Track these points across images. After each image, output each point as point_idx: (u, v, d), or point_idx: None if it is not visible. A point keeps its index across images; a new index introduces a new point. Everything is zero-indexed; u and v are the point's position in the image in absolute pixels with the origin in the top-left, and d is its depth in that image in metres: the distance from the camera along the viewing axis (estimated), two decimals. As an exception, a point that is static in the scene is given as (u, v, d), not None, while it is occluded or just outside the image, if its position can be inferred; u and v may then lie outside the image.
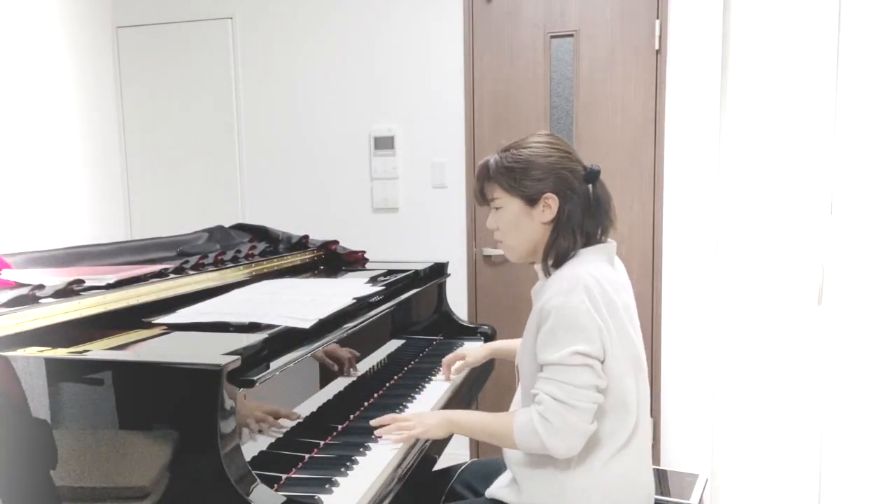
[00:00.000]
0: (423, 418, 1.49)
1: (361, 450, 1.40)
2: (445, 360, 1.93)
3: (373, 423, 1.48)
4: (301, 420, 1.45)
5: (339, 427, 1.54)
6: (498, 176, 1.46)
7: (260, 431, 1.30)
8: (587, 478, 1.37)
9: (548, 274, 1.44)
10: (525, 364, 1.45)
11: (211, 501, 1.06)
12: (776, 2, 2.61)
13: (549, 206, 1.42)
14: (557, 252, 1.42)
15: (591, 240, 1.44)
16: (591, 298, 1.32)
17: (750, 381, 2.75)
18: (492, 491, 1.50)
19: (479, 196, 1.52)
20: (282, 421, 1.38)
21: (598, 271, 1.38)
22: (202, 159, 3.42)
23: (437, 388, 1.86)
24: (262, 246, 2.27)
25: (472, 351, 1.95)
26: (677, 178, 2.76)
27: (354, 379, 1.71)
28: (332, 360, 1.60)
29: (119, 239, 1.93)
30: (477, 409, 3.02)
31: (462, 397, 1.93)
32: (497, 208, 1.48)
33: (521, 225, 1.46)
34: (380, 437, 1.47)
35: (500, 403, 2.84)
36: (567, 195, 1.42)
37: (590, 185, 1.45)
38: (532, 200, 1.43)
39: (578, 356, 1.31)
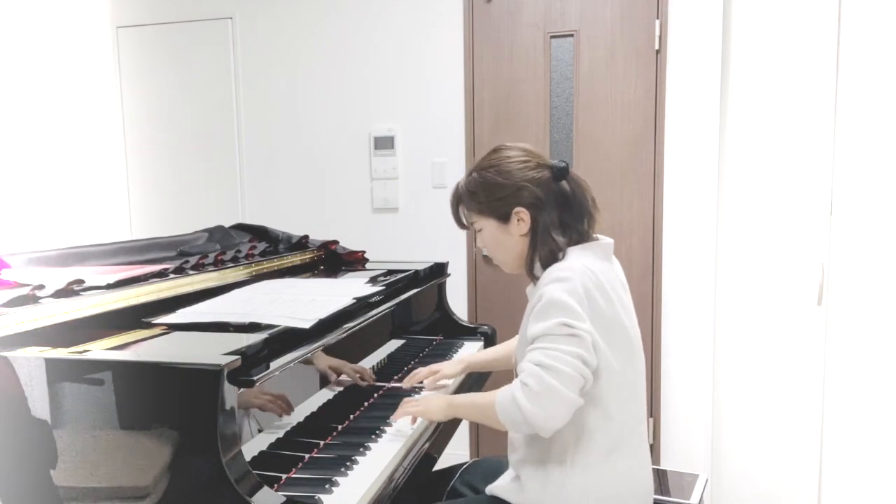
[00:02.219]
0: (427, 401, 1.54)
1: (361, 450, 1.40)
2: (417, 374, 1.81)
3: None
4: (301, 420, 1.45)
5: (339, 427, 1.54)
6: (467, 201, 1.50)
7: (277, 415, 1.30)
8: (586, 476, 1.37)
9: (535, 280, 1.45)
10: (522, 355, 1.44)
11: (211, 501, 1.06)
12: (776, 2, 2.61)
13: (523, 219, 1.44)
14: (541, 259, 1.43)
15: (580, 235, 1.44)
16: (584, 287, 1.33)
17: (750, 381, 2.75)
18: (492, 488, 1.50)
19: (457, 222, 1.55)
20: (285, 417, 1.39)
21: (591, 264, 1.38)
22: (202, 159, 3.42)
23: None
24: (262, 246, 2.27)
25: (447, 365, 1.85)
26: (677, 178, 2.76)
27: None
28: (333, 371, 1.61)
29: (119, 239, 1.93)
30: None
31: (473, 377, 1.94)
32: (478, 230, 1.51)
33: (502, 242, 1.48)
34: (380, 437, 1.48)
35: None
36: (537, 205, 1.43)
37: (562, 182, 1.45)
38: (504, 217, 1.45)
39: (565, 327, 1.29)
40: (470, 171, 1.51)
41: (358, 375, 1.73)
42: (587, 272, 1.35)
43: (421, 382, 1.80)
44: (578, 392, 1.30)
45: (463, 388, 1.92)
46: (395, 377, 1.93)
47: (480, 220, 1.49)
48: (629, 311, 1.45)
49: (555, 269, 1.37)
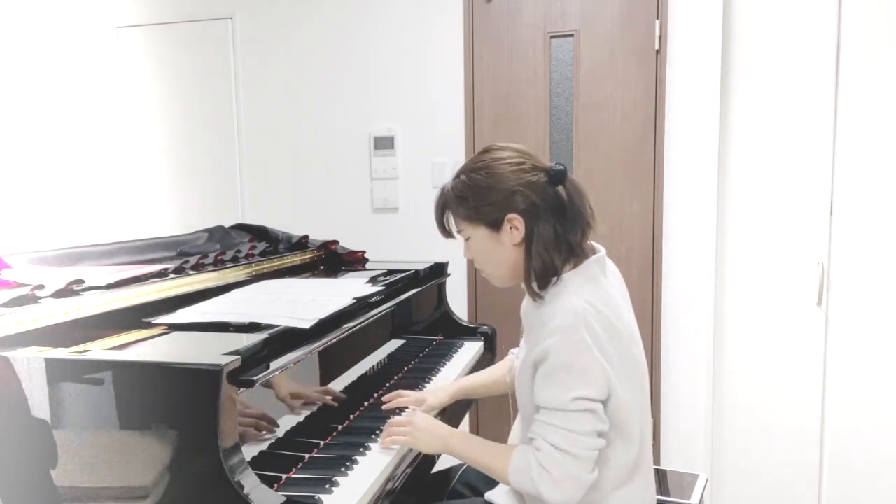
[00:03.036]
0: (418, 431, 1.43)
1: (361, 450, 1.41)
2: (400, 399, 1.67)
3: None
4: (301, 420, 1.45)
5: (339, 427, 1.54)
6: (455, 206, 1.38)
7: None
8: (591, 500, 1.32)
9: (535, 296, 1.34)
10: (523, 400, 1.37)
11: (211, 501, 1.06)
12: (777, 2, 2.61)
13: (516, 226, 1.33)
14: (537, 273, 1.31)
15: (574, 249, 1.33)
16: (591, 333, 1.23)
17: (750, 381, 2.75)
18: (492, 495, 1.48)
19: (441, 228, 1.42)
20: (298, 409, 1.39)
21: (594, 296, 1.28)
22: (202, 159, 3.42)
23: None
24: (262, 246, 2.27)
25: (433, 395, 1.73)
26: (677, 179, 2.75)
27: (354, 379, 1.71)
28: (300, 399, 1.49)
29: (119, 239, 1.93)
30: (477, 409, 3.03)
31: (461, 400, 1.92)
32: (466, 239, 1.40)
33: (492, 252, 1.37)
34: (380, 437, 1.47)
35: (501, 403, 2.83)
36: (532, 212, 1.31)
37: (559, 187, 1.33)
38: (496, 225, 1.34)
39: (580, 401, 1.22)
40: (457, 173, 1.38)
41: (329, 398, 1.57)
42: (589, 310, 1.25)
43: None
44: (593, 467, 1.26)
45: (447, 409, 1.80)
46: (396, 377, 1.93)
47: (469, 227, 1.38)
48: (632, 330, 1.37)
49: (559, 311, 1.26)
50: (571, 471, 1.22)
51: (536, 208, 1.32)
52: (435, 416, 1.70)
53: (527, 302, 1.42)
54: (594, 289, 1.31)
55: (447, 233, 1.43)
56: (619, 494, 1.34)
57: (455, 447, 1.42)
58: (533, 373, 1.30)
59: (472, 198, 1.35)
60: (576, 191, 1.35)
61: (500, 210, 1.33)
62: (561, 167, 1.34)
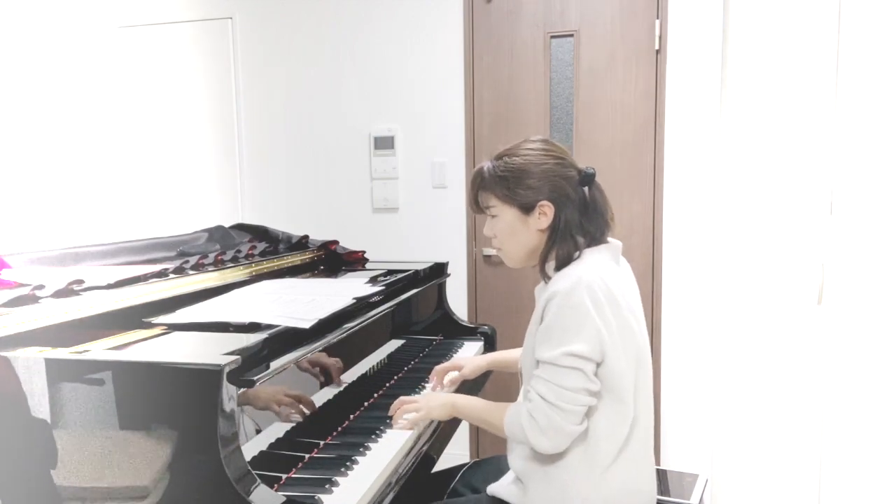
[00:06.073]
0: (428, 400, 1.56)
1: (361, 450, 1.41)
2: (438, 368, 1.87)
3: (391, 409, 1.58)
4: (301, 419, 1.45)
5: (339, 427, 1.54)
6: (492, 185, 1.46)
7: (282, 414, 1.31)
8: (588, 485, 1.37)
9: (546, 278, 1.44)
10: (527, 361, 1.45)
11: (211, 501, 1.06)
12: (776, 1, 2.61)
13: (545, 213, 1.43)
14: (557, 258, 1.42)
15: (593, 241, 1.44)
16: (592, 298, 1.32)
17: (750, 380, 2.75)
18: (494, 489, 1.50)
19: (474, 204, 1.53)
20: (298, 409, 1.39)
21: (602, 270, 1.37)
22: (202, 159, 3.42)
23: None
24: (262, 246, 2.27)
25: (470, 362, 1.89)
26: (677, 179, 2.76)
27: (354, 379, 1.71)
28: (320, 369, 1.57)
29: (119, 239, 1.93)
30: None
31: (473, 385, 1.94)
32: (493, 216, 1.49)
33: (517, 233, 1.47)
34: (380, 437, 1.47)
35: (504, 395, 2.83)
36: (562, 202, 1.43)
37: (585, 189, 1.45)
38: (527, 208, 1.44)
39: (570, 357, 1.31)
40: (499, 155, 1.48)
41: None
42: (594, 279, 1.34)
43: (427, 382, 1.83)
44: (581, 420, 1.35)
45: (463, 386, 1.91)
46: (396, 377, 1.93)
47: (500, 206, 1.46)
48: (638, 315, 1.44)
49: (563, 277, 1.36)
50: (555, 421, 1.32)
51: (567, 200, 1.43)
52: None
53: (542, 284, 1.51)
54: (603, 265, 1.40)
55: (477, 207, 1.53)
56: (616, 468, 1.37)
57: (461, 406, 1.56)
58: (538, 328, 1.39)
59: (511, 179, 1.44)
60: (600, 195, 1.48)
61: (534, 195, 1.43)
62: (591, 170, 1.46)
